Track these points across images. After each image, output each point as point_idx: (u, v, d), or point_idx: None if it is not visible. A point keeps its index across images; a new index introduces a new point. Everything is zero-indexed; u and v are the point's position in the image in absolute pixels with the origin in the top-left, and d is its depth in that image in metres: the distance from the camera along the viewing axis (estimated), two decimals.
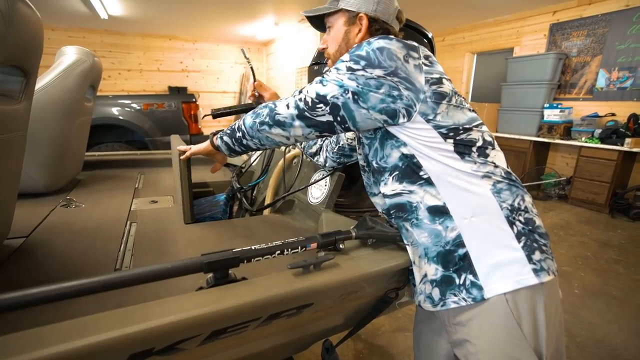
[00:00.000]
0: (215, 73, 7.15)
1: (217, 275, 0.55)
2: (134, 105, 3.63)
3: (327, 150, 1.03)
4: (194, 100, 3.80)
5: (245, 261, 0.57)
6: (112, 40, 6.08)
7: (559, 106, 4.11)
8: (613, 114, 3.84)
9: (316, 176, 1.17)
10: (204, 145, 0.92)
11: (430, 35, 1.39)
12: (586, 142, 3.75)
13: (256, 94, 1.15)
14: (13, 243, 0.82)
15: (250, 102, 1.18)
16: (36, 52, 0.67)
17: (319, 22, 0.87)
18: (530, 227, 0.65)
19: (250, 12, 5.02)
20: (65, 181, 1.32)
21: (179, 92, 6.49)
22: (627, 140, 3.40)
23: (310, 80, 1.58)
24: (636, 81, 3.71)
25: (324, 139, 1.05)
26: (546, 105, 4.19)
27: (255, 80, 1.14)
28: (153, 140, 3.60)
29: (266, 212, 1.33)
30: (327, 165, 1.06)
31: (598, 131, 3.74)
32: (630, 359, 1.56)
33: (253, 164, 1.69)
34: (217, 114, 1.14)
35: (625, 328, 1.77)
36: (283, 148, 1.34)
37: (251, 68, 1.19)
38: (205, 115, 1.19)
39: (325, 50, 0.85)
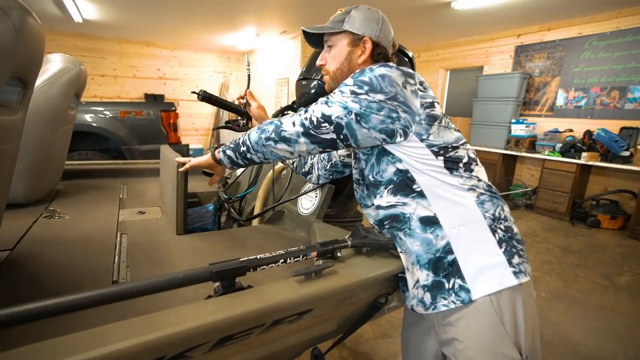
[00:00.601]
0: (193, 81, 7.06)
1: (224, 283, 0.58)
2: (110, 112, 3.52)
3: (319, 168, 1.08)
4: (173, 109, 3.74)
5: (251, 270, 0.60)
6: (85, 45, 5.87)
7: (525, 121, 4.41)
8: (571, 130, 4.18)
9: (306, 187, 1.21)
10: (205, 158, 0.94)
11: (410, 55, 1.49)
12: (549, 155, 4.05)
13: (244, 100, 1.19)
14: None
15: (237, 104, 1.22)
16: (37, 63, 0.67)
17: (314, 39, 0.92)
18: (509, 234, 0.73)
19: (231, 23, 5.04)
20: (45, 191, 1.27)
21: (155, 100, 6.35)
22: (583, 154, 3.71)
23: (297, 92, 1.64)
24: (589, 101, 4.08)
25: (315, 158, 1.09)
26: (513, 120, 4.49)
27: (248, 88, 1.19)
28: (130, 149, 3.50)
29: (255, 222, 1.35)
30: (319, 182, 1.11)
31: (559, 145, 4.05)
32: (589, 353, 1.69)
33: (240, 176, 1.70)
34: (205, 97, 1.16)
35: (585, 326, 1.92)
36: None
37: (248, 76, 1.24)
38: (193, 92, 1.20)
39: (324, 67, 0.89)
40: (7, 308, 0.43)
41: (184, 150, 4.14)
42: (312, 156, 1.10)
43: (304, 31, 0.91)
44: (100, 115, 3.50)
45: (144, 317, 0.47)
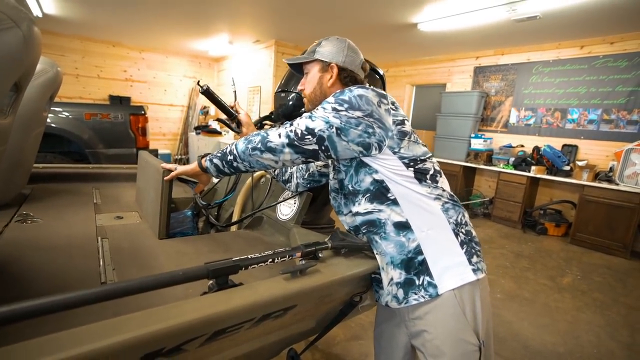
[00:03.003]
0: (162, 85, 6.86)
1: (219, 281, 0.63)
2: (73, 113, 3.35)
3: (297, 177, 1.16)
4: (143, 112, 3.63)
5: (243, 268, 0.65)
6: (43, 41, 5.51)
7: (482, 136, 4.79)
8: (522, 145, 4.61)
9: (285, 194, 1.27)
10: (192, 166, 0.97)
11: (382, 73, 1.62)
12: (503, 168, 4.42)
13: (237, 109, 1.26)
14: None
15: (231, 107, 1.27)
16: (34, 70, 0.69)
17: (297, 67, 1.02)
18: (469, 237, 0.84)
19: (204, 29, 5.01)
20: (12, 195, 1.22)
21: (121, 102, 6.09)
22: (532, 167, 4.11)
23: (275, 104, 1.71)
24: (537, 120, 4.53)
25: (293, 167, 1.17)
26: (472, 135, 4.86)
27: (235, 100, 1.27)
28: (95, 153, 3.34)
29: (233, 228, 1.38)
30: (298, 190, 1.18)
31: (512, 159, 4.44)
32: (536, 348, 1.89)
33: (217, 183, 1.73)
34: (206, 91, 1.17)
35: (534, 323, 2.13)
36: None
37: (234, 92, 1.31)
38: (198, 83, 1.20)
39: (303, 91, 0.99)
40: (15, 303, 0.46)
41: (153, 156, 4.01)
42: (292, 166, 1.18)
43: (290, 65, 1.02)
44: (61, 115, 3.32)
45: (146, 311, 0.51)
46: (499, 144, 4.84)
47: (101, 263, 0.83)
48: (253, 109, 6.03)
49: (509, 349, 1.87)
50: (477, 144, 4.78)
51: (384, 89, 1.65)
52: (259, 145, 0.82)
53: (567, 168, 4.00)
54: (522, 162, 4.29)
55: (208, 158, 0.95)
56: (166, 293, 0.70)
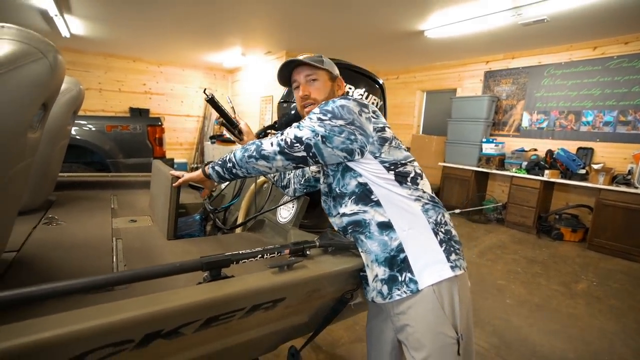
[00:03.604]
0: (179, 96, 7.16)
1: (212, 273, 0.71)
2: (95, 125, 3.58)
3: (294, 182, 1.24)
4: (159, 124, 3.83)
5: (235, 262, 0.73)
6: (70, 58, 5.91)
7: (494, 141, 4.74)
8: (535, 149, 4.53)
9: (284, 199, 1.35)
10: (197, 173, 1.07)
11: (381, 82, 1.69)
12: (516, 172, 4.36)
13: (238, 120, 1.37)
14: (5, 256, 0.88)
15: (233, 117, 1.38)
16: (58, 90, 0.80)
17: (285, 77, 1.07)
18: (448, 236, 0.89)
19: (218, 43, 5.24)
20: (40, 201, 1.36)
21: (140, 114, 6.39)
22: (546, 172, 4.03)
23: (279, 113, 1.81)
24: (550, 123, 4.45)
25: (291, 174, 1.25)
26: (484, 139, 4.82)
27: (235, 114, 1.37)
28: (115, 162, 3.55)
29: (238, 230, 1.47)
30: (295, 194, 1.26)
31: (524, 163, 4.37)
32: (545, 353, 1.87)
33: (224, 189, 1.83)
34: (211, 100, 1.30)
35: (543, 329, 2.10)
36: None
37: (232, 108, 1.42)
38: (204, 92, 1.32)
39: (310, 96, 1.01)
40: (44, 284, 0.55)
41: (169, 165, 4.21)
42: (289, 172, 1.26)
43: (288, 62, 1.03)
44: (85, 128, 3.55)
45: (149, 296, 0.60)
46: (511, 148, 4.78)
47: (114, 260, 0.93)
48: (266, 117, 6.20)
49: (516, 354, 1.85)
50: (488, 148, 4.73)
51: (384, 97, 1.72)
52: (254, 154, 0.91)
53: (583, 171, 3.91)
54: (535, 166, 4.22)
55: (210, 166, 1.04)
56: (169, 286, 0.78)
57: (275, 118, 6.58)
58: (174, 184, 1.15)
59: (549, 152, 4.22)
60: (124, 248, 1.03)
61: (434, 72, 5.89)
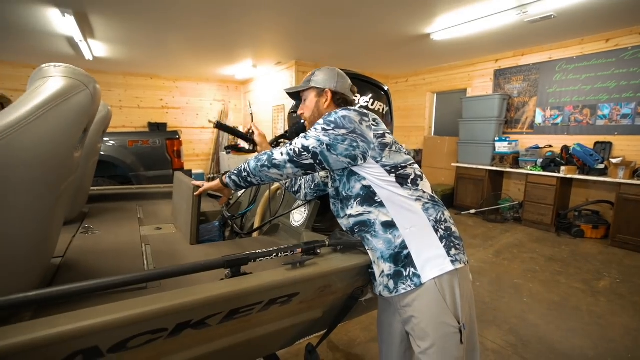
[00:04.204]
0: (194, 110, 7.44)
1: (233, 270, 0.79)
2: (118, 141, 3.79)
3: (305, 187, 1.32)
4: (177, 137, 4.02)
5: (253, 260, 0.81)
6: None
7: (507, 139, 4.70)
8: (550, 146, 4.46)
9: (297, 204, 1.44)
10: (215, 182, 1.18)
11: (386, 89, 1.76)
12: (531, 170, 4.30)
13: (251, 130, 1.46)
14: (53, 261, 1.00)
15: (245, 131, 1.49)
16: (95, 114, 0.92)
17: (295, 95, 1.21)
18: (448, 233, 0.95)
19: (230, 57, 5.44)
20: (76, 213, 1.49)
21: (158, 128, 6.67)
22: (562, 168, 3.96)
23: (289, 123, 1.91)
24: (564, 118, 4.38)
25: (302, 179, 1.34)
26: (496, 138, 4.78)
27: (252, 121, 1.48)
28: (137, 175, 3.74)
29: (255, 234, 1.56)
30: (307, 199, 1.34)
31: (540, 160, 4.31)
32: (563, 351, 1.86)
33: (240, 197, 1.93)
34: (219, 125, 1.41)
35: (562, 327, 2.08)
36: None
37: (251, 114, 1.52)
38: (210, 121, 1.46)
39: (303, 115, 1.16)
40: (89, 280, 0.65)
41: (187, 175, 4.39)
42: (300, 178, 1.34)
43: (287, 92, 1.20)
44: (108, 144, 3.77)
45: (179, 290, 0.69)
46: (525, 145, 4.72)
47: (145, 262, 1.03)
48: (278, 126, 6.35)
49: (534, 351, 1.85)
50: (501, 147, 4.69)
51: (389, 103, 1.79)
52: (266, 163, 1.00)
53: (601, 166, 3.82)
54: (551, 163, 4.15)
55: (227, 175, 1.14)
56: (195, 284, 0.87)
57: (288, 127, 6.70)
58: (195, 193, 1.26)
59: (565, 148, 4.15)
60: (152, 252, 1.13)
61: (443, 73, 5.90)
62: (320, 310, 1.05)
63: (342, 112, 0.94)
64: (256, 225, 1.59)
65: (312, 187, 1.29)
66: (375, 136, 0.95)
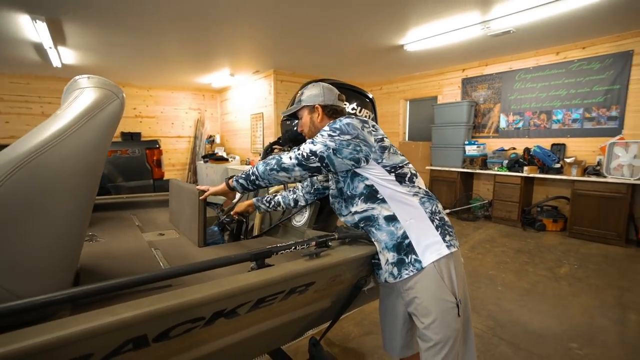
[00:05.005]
0: (169, 118, 7.29)
1: (258, 263, 0.87)
2: None
3: (304, 193, 1.42)
4: (157, 146, 3.96)
5: (275, 253, 0.90)
6: (60, 87, 5.99)
7: (476, 143, 5.05)
8: (514, 148, 4.85)
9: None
10: (221, 186, 1.24)
11: (371, 96, 1.90)
12: (498, 170, 4.65)
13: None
14: None
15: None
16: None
17: (291, 115, 1.31)
18: (442, 222, 1.08)
19: (207, 65, 5.44)
20: None
21: (132, 138, 6.48)
22: (525, 168, 4.33)
23: (282, 130, 2.00)
24: (525, 123, 4.80)
25: (297, 192, 1.44)
26: (466, 142, 5.12)
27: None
28: (116, 186, 3.64)
29: (255, 232, 1.64)
30: (307, 202, 1.44)
31: (505, 162, 4.68)
32: (534, 330, 2.06)
33: (236, 203, 1.99)
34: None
35: (532, 309, 2.31)
36: None
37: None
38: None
39: (303, 131, 1.27)
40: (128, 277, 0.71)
41: (166, 186, 4.33)
42: (301, 180, 1.43)
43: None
44: None
45: (215, 281, 0.76)
46: (492, 148, 5.09)
47: (161, 264, 1.08)
48: (257, 134, 6.38)
49: (510, 333, 2.04)
50: (471, 150, 5.03)
51: (374, 109, 1.93)
52: (275, 167, 1.09)
53: (558, 166, 4.22)
54: (515, 164, 4.52)
55: (235, 179, 1.21)
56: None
57: (267, 134, 6.72)
58: (201, 197, 1.31)
59: (527, 150, 4.54)
60: (164, 255, 1.18)
61: (415, 81, 6.24)
62: (329, 299, 1.15)
63: (346, 120, 1.06)
64: (256, 228, 1.66)
65: (312, 191, 1.40)
66: (375, 140, 1.07)
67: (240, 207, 1.51)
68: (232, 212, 1.54)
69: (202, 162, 6.87)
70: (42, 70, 5.46)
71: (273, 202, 1.46)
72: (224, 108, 7.76)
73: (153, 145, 3.94)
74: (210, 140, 7.75)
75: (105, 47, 4.34)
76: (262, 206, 1.48)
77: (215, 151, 7.23)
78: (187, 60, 5.05)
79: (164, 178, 4.28)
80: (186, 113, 7.52)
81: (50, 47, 4.01)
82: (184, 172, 7.60)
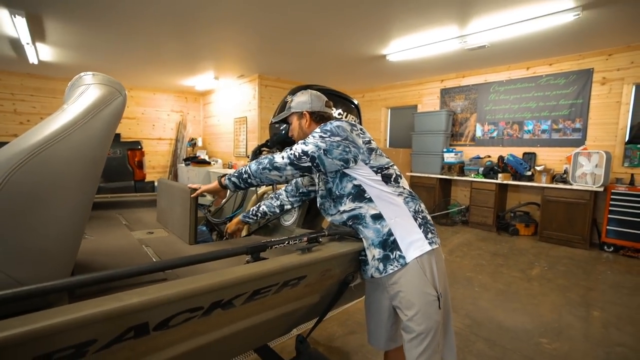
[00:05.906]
0: (150, 120, 7.15)
1: (254, 256, 0.91)
2: None
3: (289, 197, 1.46)
4: (139, 147, 3.90)
5: (270, 247, 0.94)
6: (35, 84, 5.77)
7: (454, 150, 5.27)
8: (489, 156, 5.10)
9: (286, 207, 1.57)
10: (213, 184, 1.27)
11: (356, 102, 1.99)
12: (474, 177, 4.87)
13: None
14: None
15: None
16: None
17: (282, 120, 1.37)
18: (425, 221, 1.16)
19: (191, 68, 5.40)
20: None
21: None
22: (499, 175, 4.56)
23: (270, 133, 2.05)
24: (499, 132, 5.06)
25: (280, 200, 1.48)
26: (444, 149, 5.33)
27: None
28: None
29: (243, 233, 1.66)
30: (294, 205, 1.48)
31: (481, 169, 4.90)
32: (509, 327, 2.19)
33: (224, 204, 2.01)
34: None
35: (507, 308, 2.44)
36: None
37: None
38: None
39: (293, 136, 1.32)
40: (126, 267, 0.74)
41: (148, 188, 4.24)
42: (292, 179, 1.48)
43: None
44: None
45: (214, 272, 0.79)
46: (469, 156, 5.33)
47: (154, 260, 1.09)
48: (240, 138, 6.36)
49: (486, 330, 2.15)
50: (449, 157, 5.24)
51: (359, 114, 2.02)
52: (268, 166, 1.14)
53: (529, 173, 4.48)
54: (490, 171, 4.76)
55: (227, 177, 1.25)
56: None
57: (250, 138, 6.70)
58: (192, 195, 1.33)
59: (501, 158, 4.79)
60: (156, 252, 1.19)
61: (396, 90, 6.44)
62: (318, 295, 1.20)
63: (336, 123, 1.13)
64: (244, 228, 1.69)
65: (297, 194, 1.45)
66: (363, 142, 1.15)
67: (230, 226, 1.53)
68: (224, 232, 1.57)
69: (183, 164, 6.76)
70: (17, 67, 5.24)
71: (259, 214, 1.48)
72: (207, 111, 7.69)
73: (135, 147, 3.88)
74: (192, 143, 7.65)
75: (87, 46, 4.24)
76: (250, 220, 1.50)
77: (197, 154, 7.15)
78: (171, 61, 5.00)
79: (146, 180, 4.21)
80: (168, 115, 7.40)
81: (28, 43, 3.88)
82: (165, 175, 7.44)
